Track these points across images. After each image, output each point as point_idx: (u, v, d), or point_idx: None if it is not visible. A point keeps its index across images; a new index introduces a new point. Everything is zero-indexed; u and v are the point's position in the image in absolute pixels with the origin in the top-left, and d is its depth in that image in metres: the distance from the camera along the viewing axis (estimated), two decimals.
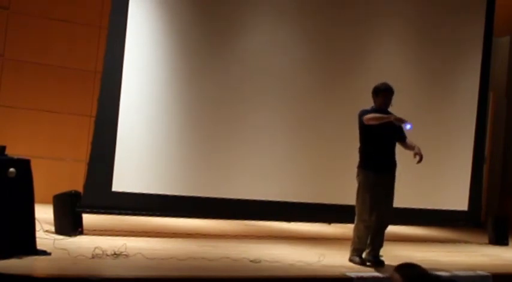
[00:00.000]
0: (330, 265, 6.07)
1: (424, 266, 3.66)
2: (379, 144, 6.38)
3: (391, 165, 6.47)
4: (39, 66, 9.42)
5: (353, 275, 5.70)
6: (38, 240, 5.48)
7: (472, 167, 9.53)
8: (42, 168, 8.45)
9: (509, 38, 12.02)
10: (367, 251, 6.39)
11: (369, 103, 6.54)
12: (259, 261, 5.95)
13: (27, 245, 5.32)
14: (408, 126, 6.28)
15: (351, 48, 8.64)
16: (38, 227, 5.73)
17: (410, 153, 6.47)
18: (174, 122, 7.53)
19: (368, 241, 6.37)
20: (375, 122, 6.26)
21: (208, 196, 7.66)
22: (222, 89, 7.79)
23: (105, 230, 6.98)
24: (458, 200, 9.42)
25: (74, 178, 8.88)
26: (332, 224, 8.95)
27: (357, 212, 6.40)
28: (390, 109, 6.48)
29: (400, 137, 6.56)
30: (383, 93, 6.44)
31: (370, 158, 6.38)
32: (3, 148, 5.44)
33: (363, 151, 6.45)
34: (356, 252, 6.37)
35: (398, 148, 6.58)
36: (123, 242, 6.03)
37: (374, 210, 6.29)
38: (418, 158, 6.35)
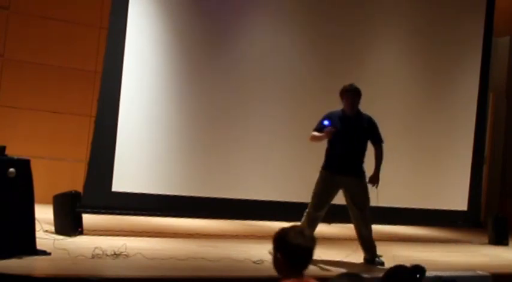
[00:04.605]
0: (329, 265, 6.06)
1: (424, 266, 3.64)
2: (342, 146, 6.27)
3: (352, 168, 6.32)
4: (39, 66, 9.40)
5: None
6: (38, 240, 5.47)
7: (471, 167, 9.53)
8: (42, 168, 8.44)
9: (509, 38, 12.02)
10: (365, 251, 6.40)
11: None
12: (260, 262, 5.94)
13: (27, 245, 5.31)
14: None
15: (350, 48, 8.65)
16: (38, 227, 5.72)
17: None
18: (174, 122, 7.53)
19: (360, 243, 6.40)
20: (314, 141, 6.34)
21: (208, 196, 7.66)
22: (222, 89, 7.80)
23: (105, 230, 6.97)
24: (458, 200, 9.42)
25: (74, 178, 8.88)
26: (332, 224, 8.93)
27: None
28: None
29: (374, 139, 6.38)
30: (346, 95, 6.29)
31: (329, 158, 6.36)
32: (3, 148, 5.43)
33: (326, 151, 6.41)
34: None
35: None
36: (123, 242, 6.02)
37: (314, 203, 6.35)
38: (372, 185, 6.31)
